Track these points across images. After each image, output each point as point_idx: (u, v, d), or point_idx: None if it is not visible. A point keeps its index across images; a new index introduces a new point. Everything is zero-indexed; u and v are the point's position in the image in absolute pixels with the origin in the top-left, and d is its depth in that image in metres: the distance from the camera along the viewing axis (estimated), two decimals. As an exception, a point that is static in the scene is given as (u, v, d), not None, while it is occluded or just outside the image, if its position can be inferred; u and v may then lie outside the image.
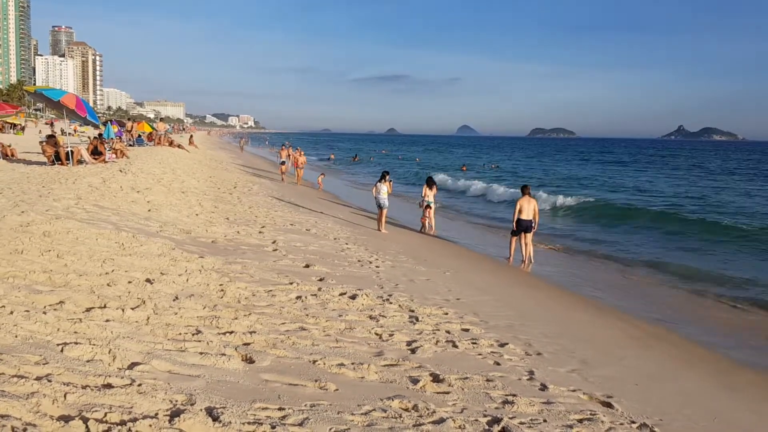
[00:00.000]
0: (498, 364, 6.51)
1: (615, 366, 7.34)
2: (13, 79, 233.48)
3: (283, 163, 34.82)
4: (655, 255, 16.79)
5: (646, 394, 6.42)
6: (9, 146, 25.99)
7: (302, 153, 35.37)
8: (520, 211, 15.58)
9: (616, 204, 27.88)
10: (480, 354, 6.77)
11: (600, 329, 9.42)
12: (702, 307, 11.49)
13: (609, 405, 5.75)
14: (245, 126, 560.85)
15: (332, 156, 73.28)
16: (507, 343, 7.30)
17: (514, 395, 5.56)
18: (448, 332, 7.47)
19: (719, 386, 7.35)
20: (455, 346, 6.89)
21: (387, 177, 19.00)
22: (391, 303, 8.58)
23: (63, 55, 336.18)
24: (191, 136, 61.92)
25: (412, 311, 8.29)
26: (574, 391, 6.02)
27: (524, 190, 16.07)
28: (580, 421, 5.23)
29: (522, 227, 15.50)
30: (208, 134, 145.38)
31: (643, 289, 12.81)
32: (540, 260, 15.35)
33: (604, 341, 8.65)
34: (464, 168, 60.26)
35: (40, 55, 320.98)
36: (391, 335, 7.01)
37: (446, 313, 8.47)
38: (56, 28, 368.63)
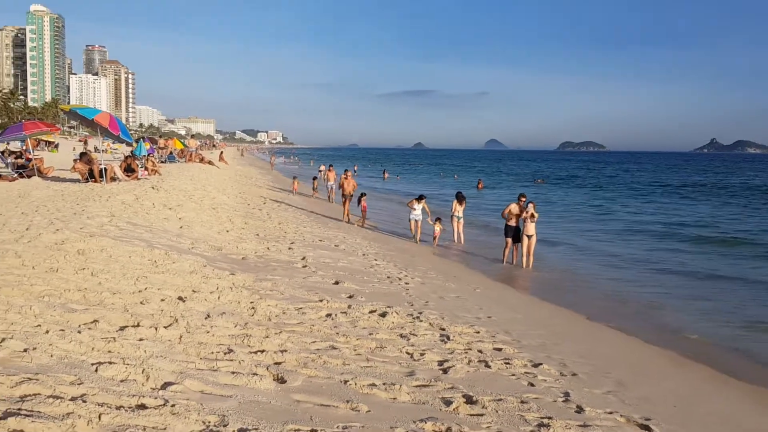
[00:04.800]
0: (532, 385, 6.39)
1: (652, 387, 7.17)
2: (48, 98, 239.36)
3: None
4: (689, 269, 16.43)
5: (684, 416, 6.27)
6: (39, 158, 26.59)
7: (349, 174, 25.01)
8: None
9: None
10: (513, 374, 6.67)
11: (634, 348, 9.23)
12: (737, 323, 11.15)
13: (647, 428, 5.61)
14: (274, 141, 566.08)
15: (386, 175, 66.35)
16: (541, 363, 7.18)
17: (549, 418, 5.44)
18: (480, 351, 7.38)
19: (759, 406, 7.14)
20: (488, 366, 6.79)
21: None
22: (421, 321, 8.52)
23: (96, 74, 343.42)
24: (221, 153, 62.59)
25: (443, 330, 8.21)
26: (611, 413, 5.88)
27: (519, 198, 16.97)
28: (618, 445, 5.10)
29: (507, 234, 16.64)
30: (238, 150, 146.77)
31: (675, 305, 12.46)
32: (567, 278, 15.14)
33: (639, 360, 8.48)
34: (480, 184, 53.17)
35: (74, 74, 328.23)
36: (422, 354, 6.94)
37: (478, 332, 8.38)
38: (90, 47, 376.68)
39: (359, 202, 22.63)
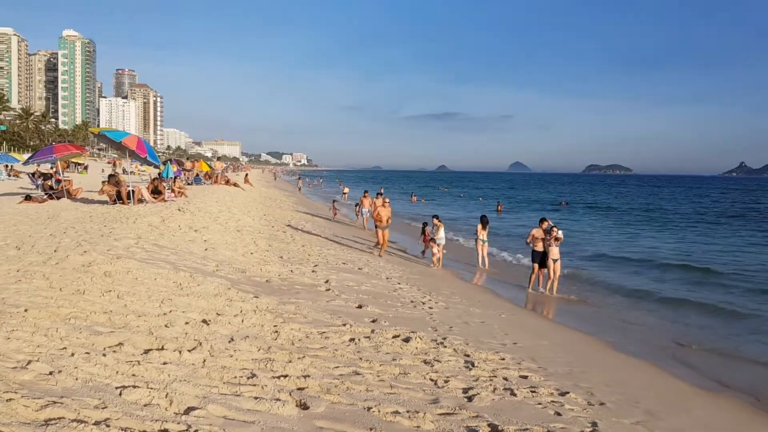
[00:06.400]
0: (559, 414, 6.25)
1: (682, 417, 6.99)
2: (79, 121, 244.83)
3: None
4: (714, 302, 16.03)
5: (717, 449, 6.09)
6: (68, 180, 27.06)
7: (387, 202, 21.90)
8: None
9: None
10: (540, 403, 6.53)
11: (662, 377, 9.02)
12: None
13: (678, 461, 5.45)
14: (298, 163, 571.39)
15: (414, 198, 64.28)
16: (568, 392, 7.03)
17: (577, 449, 5.32)
18: (505, 379, 7.26)
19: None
20: (513, 395, 6.67)
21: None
22: (445, 347, 8.42)
23: (126, 97, 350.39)
24: (246, 175, 63.23)
25: (468, 356, 8.10)
26: (640, 445, 5.74)
27: (541, 223, 16.79)
28: (649, 479, 4.95)
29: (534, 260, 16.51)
30: (263, 172, 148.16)
31: (702, 337, 12.14)
32: (593, 306, 14.92)
33: (668, 390, 8.27)
34: (500, 208, 51.54)
35: (104, 97, 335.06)
36: (446, 381, 6.84)
37: (503, 359, 8.25)
38: (120, 71, 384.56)
39: (422, 232, 20.91)
